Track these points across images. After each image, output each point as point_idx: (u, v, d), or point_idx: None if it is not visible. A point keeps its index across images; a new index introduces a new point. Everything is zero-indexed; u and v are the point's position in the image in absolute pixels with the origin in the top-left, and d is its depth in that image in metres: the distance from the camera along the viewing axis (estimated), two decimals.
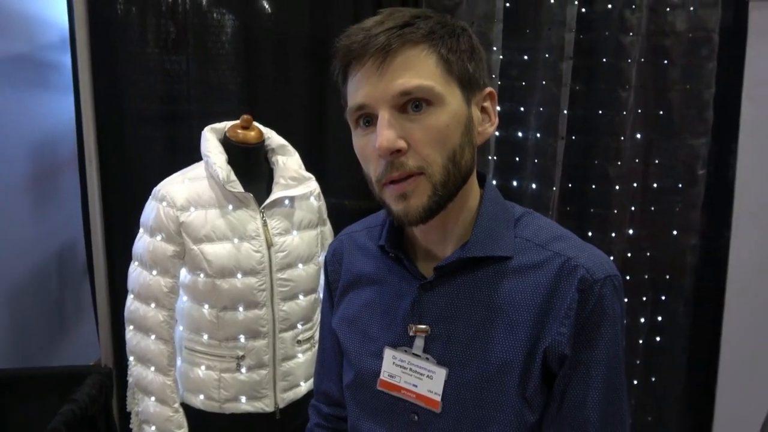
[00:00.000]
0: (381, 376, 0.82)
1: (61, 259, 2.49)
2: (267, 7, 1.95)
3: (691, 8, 1.95)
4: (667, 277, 2.11)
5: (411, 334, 0.79)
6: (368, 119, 0.71)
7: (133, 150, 1.96)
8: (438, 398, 0.77)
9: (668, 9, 1.96)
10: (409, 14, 0.70)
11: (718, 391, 2.07)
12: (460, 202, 0.76)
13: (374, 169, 0.72)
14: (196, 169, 1.43)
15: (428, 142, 0.69)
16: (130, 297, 1.43)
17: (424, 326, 0.79)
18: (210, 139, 1.41)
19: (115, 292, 2.02)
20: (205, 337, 1.41)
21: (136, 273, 1.41)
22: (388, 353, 0.81)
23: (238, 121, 1.44)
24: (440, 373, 0.77)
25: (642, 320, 2.14)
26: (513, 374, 0.74)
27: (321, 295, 1.60)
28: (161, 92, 1.94)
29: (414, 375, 0.79)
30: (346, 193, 1.97)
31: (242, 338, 1.41)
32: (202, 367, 1.42)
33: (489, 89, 0.76)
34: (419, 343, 0.79)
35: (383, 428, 0.83)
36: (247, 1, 1.92)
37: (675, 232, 2.07)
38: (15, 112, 2.18)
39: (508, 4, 1.93)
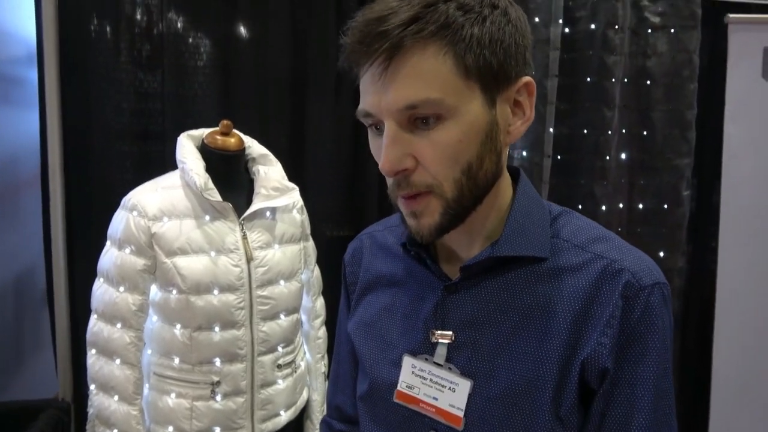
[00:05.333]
0: (398, 387, 0.73)
1: (18, 285, 2.32)
2: (244, 31, 1.90)
3: (672, 30, 1.97)
4: None
5: (433, 340, 0.71)
6: (377, 126, 0.65)
7: (101, 168, 1.85)
8: (460, 414, 0.69)
9: (650, 30, 1.98)
10: None
11: (711, 416, 2.01)
12: (487, 205, 0.69)
13: (387, 179, 0.66)
14: (170, 178, 1.33)
15: (438, 160, 0.62)
16: (93, 317, 1.30)
17: (447, 332, 0.70)
18: (186, 145, 1.32)
19: (76, 319, 1.88)
20: (177, 360, 1.29)
21: (101, 290, 1.29)
22: (407, 361, 0.73)
23: (217, 128, 1.35)
24: (464, 386, 0.69)
25: None
26: (546, 389, 0.65)
27: (302, 316, 1.50)
28: (133, 109, 1.86)
29: (435, 387, 0.71)
30: (324, 216, 1.89)
31: (218, 362, 1.29)
32: (172, 395, 1.29)
33: (525, 80, 0.66)
34: (441, 351, 0.71)
35: None
36: (223, 26, 1.86)
37: (662, 254, 2.04)
38: None
39: None
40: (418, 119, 0.61)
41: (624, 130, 2.01)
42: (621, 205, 2.03)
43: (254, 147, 1.41)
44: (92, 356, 1.30)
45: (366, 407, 0.79)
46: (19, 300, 2.33)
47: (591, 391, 0.67)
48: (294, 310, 1.40)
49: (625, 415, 0.65)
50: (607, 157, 1.97)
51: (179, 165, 1.30)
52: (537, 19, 1.88)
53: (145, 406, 1.31)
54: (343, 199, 1.93)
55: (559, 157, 2.00)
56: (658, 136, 2.01)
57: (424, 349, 0.72)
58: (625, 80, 1.99)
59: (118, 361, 1.27)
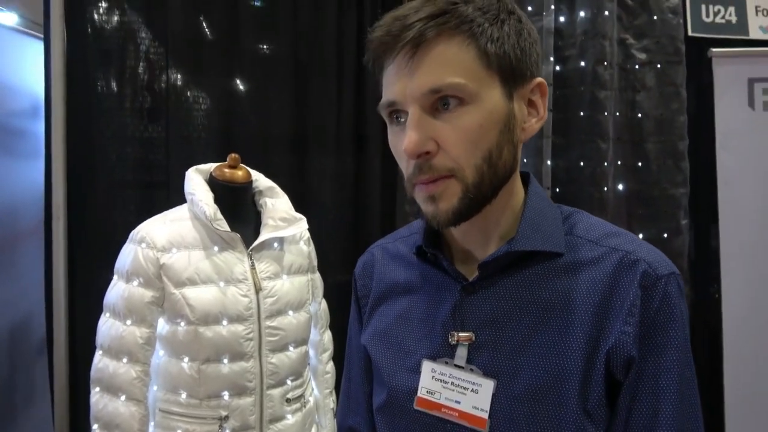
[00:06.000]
0: (419, 393, 0.71)
1: (14, 336, 2.27)
2: (243, 84, 1.96)
3: (658, 65, 2.05)
4: None
5: (452, 342, 0.70)
6: (399, 116, 0.67)
7: (105, 214, 1.87)
8: (485, 415, 0.67)
9: (637, 66, 2.06)
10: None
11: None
12: (502, 201, 0.70)
13: (405, 168, 0.67)
14: (179, 211, 1.34)
15: (459, 143, 0.64)
16: (98, 354, 1.28)
17: (467, 333, 0.70)
18: (194, 178, 1.33)
19: (75, 367, 1.84)
20: (184, 395, 1.25)
21: (106, 326, 1.27)
22: (427, 366, 0.71)
23: (224, 162, 1.37)
24: (487, 386, 0.67)
25: None
26: (571, 383, 0.64)
27: (310, 350, 1.47)
28: (136, 157, 1.90)
29: (456, 390, 0.69)
30: (327, 263, 1.85)
31: (226, 395, 1.25)
32: None
33: (538, 80, 0.69)
34: (462, 352, 0.70)
35: None
36: (223, 79, 1.93)
37: None
38: None
39: None
40: (441, 104, 0.63)
41: (619, 162, 2.06)
42: None
43: (261, 180, 1.42)
44: (96, 394, 1.26)
45: (384, 419, 0.76)
46: (14, 351, 2.27)
47: (617, 383, 0.66)
48: (303, 341, 1.38)
49: (651, 407, 0.65)
50: (605, 188, 2.00)
51: (188, 197, 1.31)
52: None
53: None
54: (345, 246, 1.94)
55: (557, 189, 2.03)
56: (653, 167, 2.05)
57: (444, 353, 0.71)
58: (617, 114, 2.05)
59: (123, 397, 1.23)
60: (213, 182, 1.35)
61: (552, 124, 1.99)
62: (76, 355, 1.85)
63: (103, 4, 1.89)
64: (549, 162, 1.96)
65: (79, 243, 1.86)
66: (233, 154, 1.36)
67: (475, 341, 0.69)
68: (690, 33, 2.09)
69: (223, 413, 1.25)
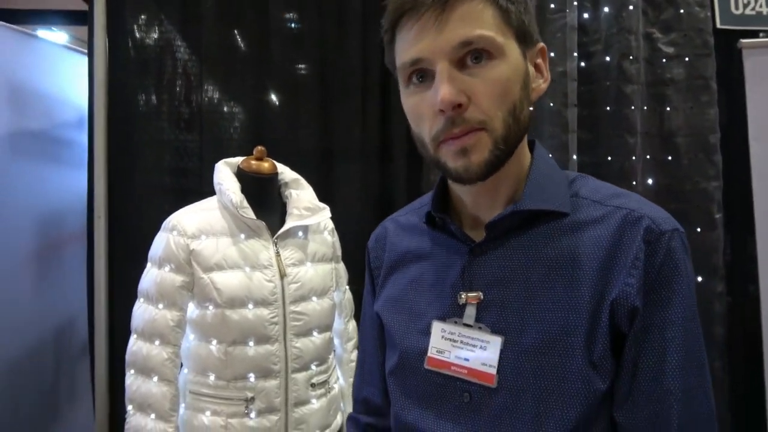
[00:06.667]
0: (429, 353, 0.73)
1: (60, 338, 2.38)
2: (274, 100, 2.03)
3: (687, 59, 2.02)
4: None
5: (461, 302, 0.72)
6: (422, 75, 0.68)
7: (143, 220, 1.94)
8: (493, 371, 0.69)
9: (664, 60, 2.04)
10: None
11: None
12: (513, 162, 0.72)
13: (429, 128, 0.67)
14: (208, 202, 1.40)
15: (489, 96, 0.65)
16: (132, 338, 1.34)
17: (475, 293, 0.72)
18: (223, 170, 1.40)
19: (114, 370, 1.91)
20: (212, 377, 1.30)
21: (140, 310, 1.33)
22: (437, 326, 0.73)
23: (252, 155, 1.43)
24: (495, 342, 0.69)
25: None
26: (577, 335, 0.66)
27: (335, 339, 1.50)
28: (173, 167, 1.98)
29: (466, 348, 0.71)
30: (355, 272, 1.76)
31: (252, 377, 1.29)
32: (207, 413, 1.30)
33: (541, 45, 0.73)
34: (470, 311, 0.72)
35: (430, 416, 0.73)
36: (255, 95, 2.01)
37: (699, 279, 1.99)
38: (28, 185, 2.19)
39: None
40: (472, 59, 0.65)
41: (648, 156, 2.03)
42: None
43: (287, 173, 1.48)
44: (131, 376, 1.32)
45: (396, 381, 0.78)
46: (59, 352, 2.38)
47: (622, 335, 0.67)
48: (326, 327, 1.41)
49: (657, 359, 0.65)
50: (634, 182, 1.97)
51: (216, 188, 1.38)
52: (552, 54, 1.96)
53: (181, 425, 1.32)
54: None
55: None
56: (683, 161, 2.01)
57: (453, 313, 0.73)
58: (645, 108, 2.03)
59: (155, 378, 1.29)
60: (241, 174, 1.41)
61: (578, 120, 1.98)
62: (116, 355, 1.91)
63: (143, 18, 2.00)
64: (575, 157, 1.95)
65: (119, 243, 1.95)
66: (259, 147, 1.42)
67: (483, 300, 0.71)
68: (719, 25, 2.06)
69: (249, 395, 1.29)
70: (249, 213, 1.33)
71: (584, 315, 0.66)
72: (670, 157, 2.03)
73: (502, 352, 0.69)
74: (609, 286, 0.66)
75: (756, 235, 1.95)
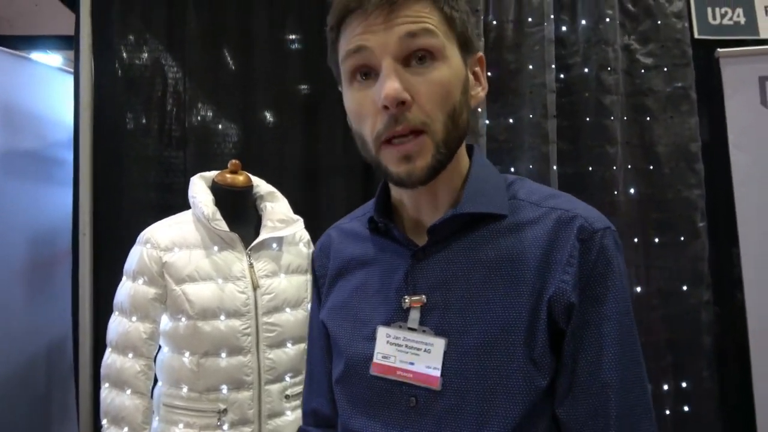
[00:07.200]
0: (374, 359, 0.73)
1: (50, 353, 2.39)
2: (261, 119, 2.06)
3: (665, 69, 2.04)
4: (684, 337, 1.98)
5: (405, 306, 0.72)
6: (366, 73, 0.68)
7: (127, 235, 1.95)
8: (437, 373, 0.69)
9: (643, 71, 2.06)
10: None
11: None
12: (451, 168, 0.73)
13: (372, 126, 0.68)
14: (183, 216, 1.42)
15: (431, 97, 0.66)
16: (107, 351, 1.35)
17: (418, 296, 0.72)
18: (197, 183, 1.41)
19: (99, 387, 1.91)
20: (185, 389, 1.30)
21: (115, 323, 1.34)
22: (381, 332, 0.73)
23: (227, 168, 1.45)
24: (438, 344, 0.69)
25: (666, 387, 1.97)
26: (517, 334, 0.67)
27: None
28: (159, 183, 2.00)
29: (410, 352, 0.71)
30: None
31: (224, 389, 1.30)
32: (180, 425, 1.29)
33: (480, 54, 0.76)
34: (415, 315, 0.72)
35: (377, 423, 0.72)
36: (242, 114, 2.04)
37: (685, 288, 1.99)
38: (21, 204, 2.23)
39: (489, 74, 2.04)
40: (415, 60, 0.66)
41: (629, 166, 2.04)
42: (636, 240, 2.01)
43: (262, 186, 1.49)
44: (105, 389, 1.33)
45: (343, 389, 0.77)
46: (50, 368, 2.39)
47: (560, 332, 0.68)
48: (301, 339, 1.41)
49: (595, 353, 0.66)
50: (615, 192, 1.98)
51: (190, 201, 1.39)
52: (531, 67, 1.99)
53: None
54: None
55: None
56: (665, 170, 2.02)
57: (398, 317, 0.73)
58: (624, 118, 2.04)
59: (128, 391, 1.29)
60: (215, 187, 1.43)
61: (558, 131, 1.99)
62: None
63: (130, 39, 2.04)
64: (555, 167, 1.96)
65: (104, 259, 1.96)
66: (234, 161, 1.44)
67: (426, 303, 0.72)
68: (696, 35, 2.08)
69: (222, 406, 1.29)
70: (221, 225, 1.34)
71: (523, 313, 0.67)
72: (651, 167, 2.04)
73: (445, 354, 0.69)
74: (546, 284, 0.67)
75: (739, 242, 1.95)
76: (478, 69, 0.76)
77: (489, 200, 0.73)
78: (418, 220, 0.76)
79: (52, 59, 2.96)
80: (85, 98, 1.98)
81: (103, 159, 1.99)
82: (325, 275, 0.85)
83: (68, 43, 2.59)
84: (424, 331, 0.71)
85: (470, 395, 0.67)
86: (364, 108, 0.68)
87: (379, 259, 0.78)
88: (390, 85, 0.64)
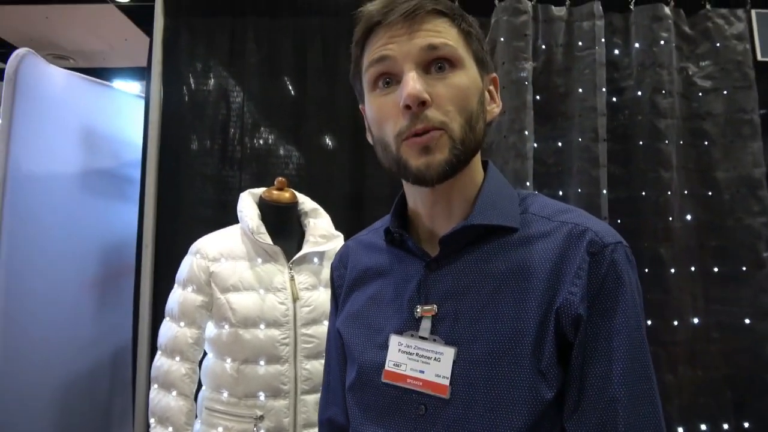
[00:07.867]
0: (386, 366, 0.75)
1: (115, 361, 2.53)
2: (321, 142, 2.16)
3: (725, 92, 1.97)
4: (746, 374, 1.86)
5: (417, 316, 0.75)
6: (388, 81, 0.72)
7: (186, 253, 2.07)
8: (446, 382, 0.70)
9: (700, 94, 1.99)
10: None
11: None
12: (466, 177, 0.76)
13: (394, 126, 0.71)
14: (232, 229, 1.50)
15: (450, 100, 0.70)
16: (158, 354, 1.43)
17: (430, 306, 0.74)
18: (245, 199, 1.50)
19: None
20: (225, 394, 1.36)
21: (165, 328, 1.43)
22: (394, 340, 0.76)
23: (274, 186, 1.53)
24: (448, 354, 0.71)
25: (726, 426, 1.85)
26: (525, 345, 0.68)
27: None
28: (217, 201, 2.12)
29: (421, 360, 0.73)
30: None
31: (262, 396, 1.34)
32: (220, 429, 1.35)
33: (493, 75, 0.80)
34: (426, 324, 0.74)
35: (388, 431, 0.74)
36: (298, 138, 2.14)
37: (747, 321, 1.88)
38: (95, 219, 2.41)
39: (538, 97, 2.03)
40: (436, 67, 0.71)
41: (686, 191, 1.96)
42: (693, 268, 1.92)
43: (306, 203, 1.56)
44: (154, 390, 1.41)
45: (355, 397, 0.79)
46: (114, 376, 2.53)
47: (568, 344, 0.68)
48: None
49: (604, 367, 0.66)
50: (671, 218, 1.91)
51: (238, 215, 1.47)
52: (580, 90, 1.97)
53: None
54: None
55: (619, 221, 1.97)
56: (725, 196, 1.94)
57: (410, 326, 0.75)
58: (681, 142, 1.98)
59: (174, 392, 1.36)
60: (262, 203, 1.50)
61: (609, 154, 1.96)
62: None
63: (198, 67, 2.20)
64: (605, 191, 1.92)
65: (164, 272, 2.09)
66: (280, 178, 1.52)
67: (438, 313, 0.74)
68: (759, 57, 2.00)
69: (259, 413, 1.34)
70: (265, 238, 1.41)
71: (532, 324, 0.68)
72: (710, 192, 1.96)
73: (455, 363, 0.70)
74: (555, 296, 0.68)
75: None
76: (492, 88, 0.79)
77: (500, 213, 0.75)
78: (432, 231, 0.79)
79: (131, 86, 3.22)
80: (154, 121, 2.14)
81: (167, 177, 2.14)
82: (342, 285, 0.89)
83: (142, 73, 2.81)
84: (434, 340, 0.73)
85: (477, 405, 0.68)
86: (385, 110, 0.72)
87: (394, 269, 0.81)
88: (412, 85, 0.68)
